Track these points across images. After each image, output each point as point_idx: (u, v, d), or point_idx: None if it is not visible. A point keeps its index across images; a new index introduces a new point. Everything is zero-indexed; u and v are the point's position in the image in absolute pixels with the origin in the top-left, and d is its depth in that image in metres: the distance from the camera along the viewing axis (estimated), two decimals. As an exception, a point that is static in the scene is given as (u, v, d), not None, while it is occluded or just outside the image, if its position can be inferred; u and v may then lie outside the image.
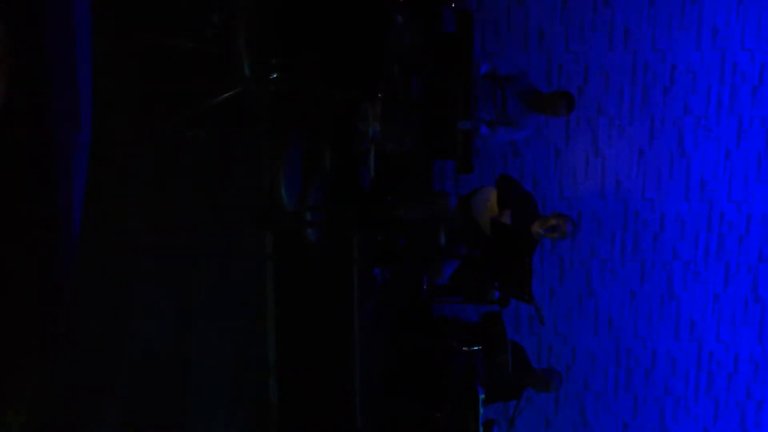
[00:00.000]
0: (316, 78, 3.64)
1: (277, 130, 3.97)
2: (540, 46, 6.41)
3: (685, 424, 6.76)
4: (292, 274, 4.39)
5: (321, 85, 3.70)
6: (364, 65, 3.67)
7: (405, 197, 5.16)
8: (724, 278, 6.49)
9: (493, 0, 6.36)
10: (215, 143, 3.72)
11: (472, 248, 5.11)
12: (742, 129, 6.28)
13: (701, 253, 6.48)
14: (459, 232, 4.95)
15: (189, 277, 3.51)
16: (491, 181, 5.09)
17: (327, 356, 4.52)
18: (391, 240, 5.01)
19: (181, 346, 3.45)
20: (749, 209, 6.37)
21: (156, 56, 3.17)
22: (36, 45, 2.16)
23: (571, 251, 6.64)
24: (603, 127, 6.45)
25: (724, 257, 6.46)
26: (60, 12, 2.40)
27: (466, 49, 4.94)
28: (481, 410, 5.15)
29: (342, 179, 4.41)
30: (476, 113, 5.18)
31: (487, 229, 4.67)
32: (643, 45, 6.30)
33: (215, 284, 3.78)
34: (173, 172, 3.37)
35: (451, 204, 4.91)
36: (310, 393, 4.53)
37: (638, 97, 6.36)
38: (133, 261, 3.05)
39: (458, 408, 5.19)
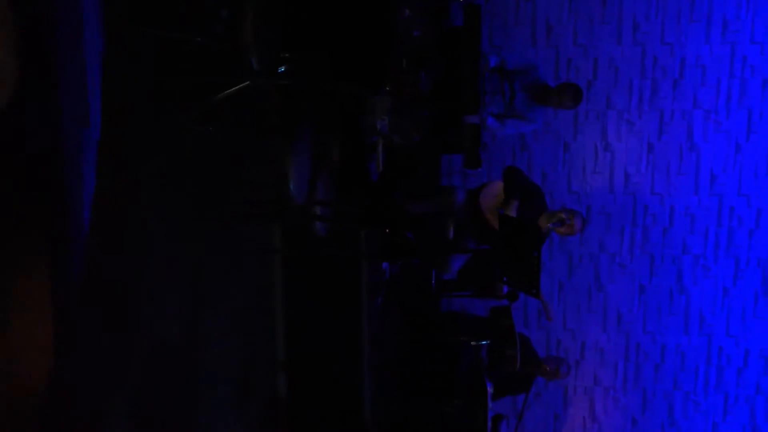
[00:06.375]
0: (324, 72, 3.64)
1: (285, 124, 3.97)
2: (548, 39, 6.39)
3: (694, 418, 6.74)
4: (300, 268, 4.40)
5: (329, 79, 3.70)
6: (372, 59, 3.67)
7: (413, 191, 5.15)
8: (734, 272, 6.46)
9: (501, -7, 6.35)
10: (223, 137, 3.72)
11: (480, 243, 5.10)
12: (752, 122, 6.24)
13: (711, 248, 6.45)
14: (467, 226, 4.94)
15: (198, 272, 3.52)
16: (499, 175, 5.08)
17: (335, 351, 4.53)
18: (399, 234, 5.00)
19: (190, 341, 3.46)
20: (759, 203, 6.33)
21: (164, 51, 3.17)
22: (44, 43, 2.15)
23: (580, 245, 6.62)
24: (612, 120, 6.42)
25: (734, 251, 6.43)
26: (68, 7, 2.40)
27: (473, 42, 4.93)
28: (490, 404, 5.15)
29: (350, 173, 4.40)
30: (484, 107, 5.17)
31: (495, 224, 4.66)
32: (652, 38, 6.26)
33: (224, 278, 3.79)
34: (181, 166, 3.37)
35: (459, 198, 4.90)
36: (319, 388, 4.54)
37: (647, 91, 6.33)
38: (142, 255, 3.05)
39: (467, 402, 5.19)
